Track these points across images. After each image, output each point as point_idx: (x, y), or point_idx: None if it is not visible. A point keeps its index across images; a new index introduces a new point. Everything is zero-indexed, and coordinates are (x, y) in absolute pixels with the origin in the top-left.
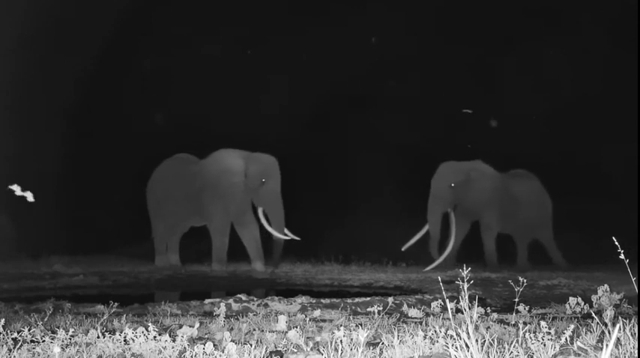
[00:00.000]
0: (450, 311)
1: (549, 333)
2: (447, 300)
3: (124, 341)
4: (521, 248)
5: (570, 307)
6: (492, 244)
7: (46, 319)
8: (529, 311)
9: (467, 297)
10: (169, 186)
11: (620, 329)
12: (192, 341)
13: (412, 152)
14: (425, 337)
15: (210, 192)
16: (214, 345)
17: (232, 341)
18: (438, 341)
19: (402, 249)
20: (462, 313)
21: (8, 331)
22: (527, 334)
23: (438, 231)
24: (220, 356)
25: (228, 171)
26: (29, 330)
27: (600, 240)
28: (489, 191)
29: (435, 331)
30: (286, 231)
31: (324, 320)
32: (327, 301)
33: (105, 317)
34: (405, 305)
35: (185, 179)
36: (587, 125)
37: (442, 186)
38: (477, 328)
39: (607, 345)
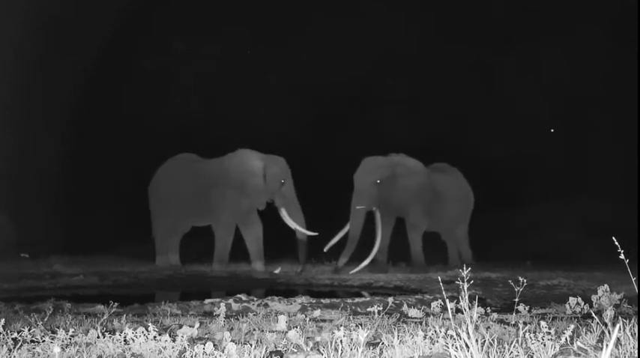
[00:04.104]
0: (450, 311)
1: (549, 333)
2: (447, 300)
3: (124, 341)
4: (451, 246)
5: (570, 307)
6: (419, 244)
7: (46, 319)
8: (529, 311)
9: (467, 297)
10: (173, 186)
11: (620, 329)
12: (192, 341)
13: (412, 152)
14: (425, 337)
15: (226, 191)
16: (214, 345)
17: (232, 341)
18: (438, 341)
19: (325, 250)
20: (462, 313)
21: (8, 331)
22: (527, 334)
23: (360, 231)
24: (220, 356)
25: (251, 172)
26: (29, 330)
27: (600, 240)
28: (416, 187)
29: (435, 331)
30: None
31: (324, 320)
32: (327, 301)
33: (105, 317)
34: (405, 305)
35: (191, 178)
36: (586, 125)
37: (366, 182)
38: (477, 328)
39: (607, 345)
